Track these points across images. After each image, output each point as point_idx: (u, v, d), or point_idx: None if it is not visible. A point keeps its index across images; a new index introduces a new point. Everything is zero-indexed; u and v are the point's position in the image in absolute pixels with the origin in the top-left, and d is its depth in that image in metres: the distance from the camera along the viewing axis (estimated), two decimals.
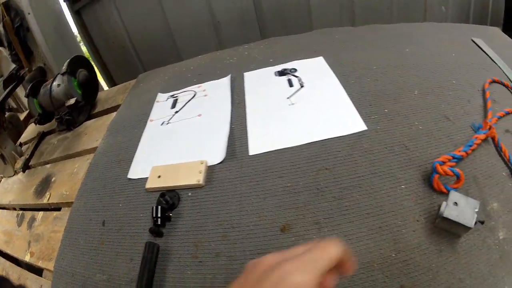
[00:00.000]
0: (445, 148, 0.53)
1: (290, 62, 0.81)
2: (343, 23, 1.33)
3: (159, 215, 0.54)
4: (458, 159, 0.51)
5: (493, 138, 0.56)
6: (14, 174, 1.01)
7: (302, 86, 0.71)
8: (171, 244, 0.53)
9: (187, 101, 0.80)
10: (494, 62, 0.77)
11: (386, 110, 0.62)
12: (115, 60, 1.53)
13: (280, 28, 1.36)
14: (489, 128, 0.56)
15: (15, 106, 1.46)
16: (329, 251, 0.32)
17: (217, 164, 0.60)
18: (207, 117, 0.72)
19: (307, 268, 0.30)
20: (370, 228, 0.46)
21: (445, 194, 0.46)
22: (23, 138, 1.13)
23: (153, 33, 1.39)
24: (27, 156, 1.01)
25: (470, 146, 0.53)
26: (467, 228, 0.42)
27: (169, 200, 0.56)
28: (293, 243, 0.47)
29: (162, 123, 0.76)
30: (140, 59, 1.51)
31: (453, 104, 0.62)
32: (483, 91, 0.65)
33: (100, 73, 1.55)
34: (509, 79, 0.73)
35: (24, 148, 1.08)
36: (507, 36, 0.97)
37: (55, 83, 0.96)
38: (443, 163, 0.49)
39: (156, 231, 0.53)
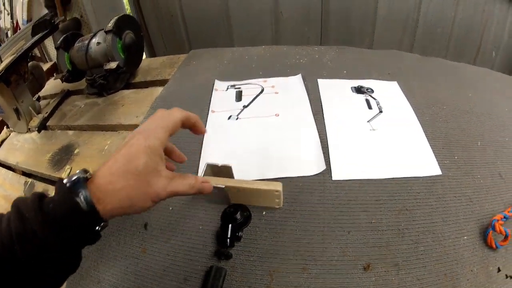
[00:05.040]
0: (497, 205, 0.55)
1: (366, 80, 0.75)
2: (403, 45, 1.32)
3: (228, 235, 0.47)
4: (507, 219, 0.53)
5: None
6: (27, 132, 0.91)
7: (380, 111, 0.66)
8: (239, 269, 0.47)
9: (254, 96, 0.73)
10: None
11: (456, 157, 0.61)
12: (160, 28, 1.42)
13: (343, 34, 1.31)
14: None
15: (38, 55, 1.33)
16: (174, 115, 0.44)
17: (302, 178, 0.55)
18: (288, 119, 0.67)
19: (155, 135, 0.41)
20: (437, 274, 0.47)
21: (494, 249, 0.50)
22: (43, 92, 1.02)
23: (209, 8, 1.30)
24: (46, 115, 0.91)
25: None
26: None
27: (239, 218, 0.49)
28: (374, 283, 0.45)
29: (230, 117, 0.69)
30: (187, 33, 1.41)
31: (506, 162, 0.62)
32: None
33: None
34: None
35: (43, 103, 0.98)
36: None
37: (94, 40, 0.86)
38: (498, 220, 0.52)
39: (225, 254, 0.46)
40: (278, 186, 0.48)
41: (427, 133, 0.65)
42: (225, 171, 0.51)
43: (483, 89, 0.80)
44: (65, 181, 0.36)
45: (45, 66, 1.11)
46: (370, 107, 0.67)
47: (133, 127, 0.75)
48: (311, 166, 0.56)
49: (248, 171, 0.56)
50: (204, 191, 0.45)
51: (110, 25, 0.81)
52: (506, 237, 0.49)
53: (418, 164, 0.58)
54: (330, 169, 0.56)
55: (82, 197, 0.35)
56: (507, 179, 0.59)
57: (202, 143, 0.64)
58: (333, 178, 0.55)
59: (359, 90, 0.72)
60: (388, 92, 0.72)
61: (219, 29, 1.35)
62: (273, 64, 0.86)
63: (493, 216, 0.52)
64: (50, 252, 0.33)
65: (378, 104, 0.68)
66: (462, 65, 0.90)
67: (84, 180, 0.36)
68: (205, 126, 0.67)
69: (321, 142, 0.61)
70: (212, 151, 0.62)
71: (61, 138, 0.83)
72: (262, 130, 0.65)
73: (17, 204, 0.35)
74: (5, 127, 1.01)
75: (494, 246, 0.49)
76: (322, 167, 0.56)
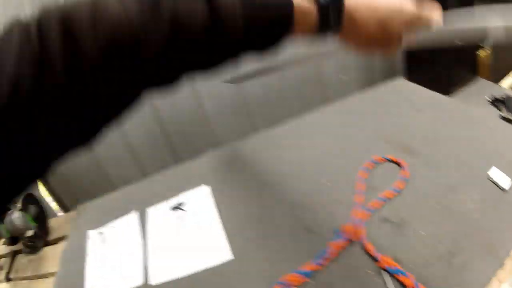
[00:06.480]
0: (301, 263, 0.64)
1: (181, 195, 1.08)
2: (242, 122, 1.55)
3: None
4: (307, 274, 0.60)
5: (357, 238, 0.63)
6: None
7: (188, 221, 0.99)
8: None
9: (109, 237, 1.07)
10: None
11: (253, 235, 0.78)
12: (59, 185, 1.69)
13: (188, 143, 1.57)
14: (351, 230, 0.63)
15: None
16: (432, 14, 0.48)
17: None
18: (124, 252, 0.99)
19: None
20: None
21: None
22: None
23: (82, 162, 1.57)
24: (7, 271, 1.31)
25: (322, 256, 0.62)
26: None
27: None
28: None
29: (96, 259, 1.02)
30: (81, 184, 1.67)
31: (319, 212, 0.74)
32: (356, 182, 0.77)
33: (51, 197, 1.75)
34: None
35: (2, 261, 1.38)
36: (412, 83, 1.20)
37: (14, 216, 1.24)
38: (285, 282, 0.60)
39: None
40: None
41: (226, 224, 0.85)
42: None
43: (304, 143, 1.02)
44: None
45: None
46: (180, 219, 1.01)
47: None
48: (132, 281, 0.87)
49: None
50: None
51: (19, 205, 1.19)
52: None
53: (213, 254, 0.81)
54: (148, 279, 0.84)
55: None
56: (317, 229, 0.70)
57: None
58: (152, 283, 0.83)
59: (175, 207, 1.05)
60: (198, 199, 1.04)
61: (97, 178, 1.63)
62: (122, 205, 1.14)
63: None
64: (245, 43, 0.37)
65: (187, 213, 1.02)
66: (279, 129, 1.16)
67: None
68: (85, 270, 1.01)
69: (143, 262, 0.90)
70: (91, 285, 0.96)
71: (20, 286, 1.23)
72: (111, 263, 0.98)
73: None
74: None
75: None
76: (140, 281, 0.85)
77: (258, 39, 0.38)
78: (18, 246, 1.35)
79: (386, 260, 0.58)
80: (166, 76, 0.35)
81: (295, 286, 0.58)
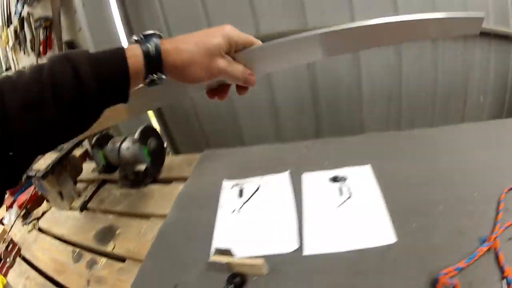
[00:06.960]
0: (453, 260, 0.66)
1: (342, 169, 0.96)
2: (391, 114, 1.50)
3: None
4: (460, 270, 0.65)
5: (495, 248, 0.69)
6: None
7: (349, 196, 0.87)
8: None
9: (252, 192, 0.95)
10: None
11: (414, 225, 0.74)
12: (178, 126, 1.62)
13: (334, 118, 1.50)
14: (493, 241, 0.69)
15: None
16: (249, 38, 0.50)
17: (282, 254, 0.74)
18: (274, 211, 0.87)
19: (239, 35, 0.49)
20: None
21: None
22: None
23: (217, 108, 1.49)
24: (86, 199, 1.13)
25: (472, 258, 0.67)
26: None
27: (238, 280, 0.68)
28: None
29: (233, 210, 0.90)
30: (203, 131, 1.59)
31: (470, 218, 0.75)
32: (498, 203, 0.78)
33: (164, 136, 1.61)
34: None
35: (80, 185, 1.19)
36: None
37: (124, 145, 1.07)
38: (447, 273, 0.64)
39: None
40: (260, 262, 0.69)
41: (389, 208, 0.79)
42: (228, 252, 0.73)
43: (457, 151, 0.95)
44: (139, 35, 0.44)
45: (78, 152, 1.31)
46: (341, 193, 0.88)
47: (162, 216, 0.95)
48: (287, 244, 0.76)
49: (243, 250, 0.75)
50: (249, 82, 0.52)
51: (136, 135, 1.03)
52: (453, 287, 0.60)
53: (376, 235, 0.74)
54: (302, 247, 0.75)
55: (152, 44, 0.42)
56: (467, 233, 0.71)
57: (213, 232, 0.84)
58: (304, 253, 0.73)
59: (334, 179, 0.92)
60: (361, 176, 0.92)
61: (229, 126, 1.54)
62: (268, 163, 1.05)
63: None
64: (87, 98, 0.40)
65: (349, 190, 0.88)
66: (437, 131, 1.08)
67: (158, 36, 0.44)
68: (215, 220, 0.87)
69: (298, 226, 0.80)
70: (220, 238, 0.83)
71: (103, 219, 1.04)
72: (255, 219, 0.86)
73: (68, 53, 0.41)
74: (45, 201, 1.23)
75: None
76: (296, 245, 0.75)
77: (110, 94, 0.43)
78: (109, 176, 1.17)
79: (509, 272, 0.66)
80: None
81: (450, 277, 0.66)
